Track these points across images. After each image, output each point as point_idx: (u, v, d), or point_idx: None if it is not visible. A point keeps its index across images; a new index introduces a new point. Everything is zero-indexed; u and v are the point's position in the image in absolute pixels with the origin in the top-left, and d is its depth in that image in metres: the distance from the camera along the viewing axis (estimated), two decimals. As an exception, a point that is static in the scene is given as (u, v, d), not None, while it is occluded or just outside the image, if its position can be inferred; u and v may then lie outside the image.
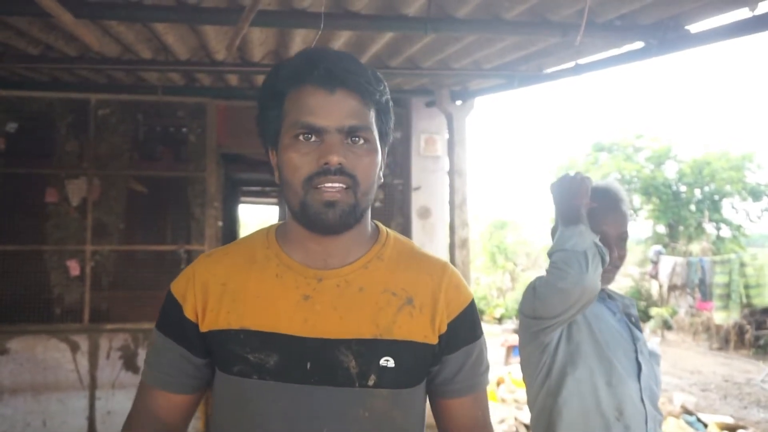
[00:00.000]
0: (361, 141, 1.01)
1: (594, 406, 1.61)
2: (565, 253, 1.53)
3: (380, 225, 1.17)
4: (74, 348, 4.78)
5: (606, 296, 1.80)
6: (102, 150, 4.96)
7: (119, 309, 4.94)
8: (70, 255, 4.88)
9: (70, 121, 4.93)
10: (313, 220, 1.00)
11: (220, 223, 5.41)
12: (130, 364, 4.84)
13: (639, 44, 3.21)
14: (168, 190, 5.16)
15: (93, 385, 4.78)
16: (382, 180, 1.09)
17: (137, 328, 4.86)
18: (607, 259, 1.57)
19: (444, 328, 1.07)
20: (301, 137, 1.00)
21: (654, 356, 1.76)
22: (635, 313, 1.81)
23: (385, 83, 1.06)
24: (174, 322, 1.09)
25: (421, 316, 1.06)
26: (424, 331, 1.06)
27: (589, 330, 1.67)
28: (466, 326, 1.10)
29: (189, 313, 1.08)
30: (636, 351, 1.69)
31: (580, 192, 1.64)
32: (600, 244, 1.56)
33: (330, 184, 0.98)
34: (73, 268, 4.87)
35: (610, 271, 1.71)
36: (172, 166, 5.23)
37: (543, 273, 1.64)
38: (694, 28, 2.97)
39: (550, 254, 1.62)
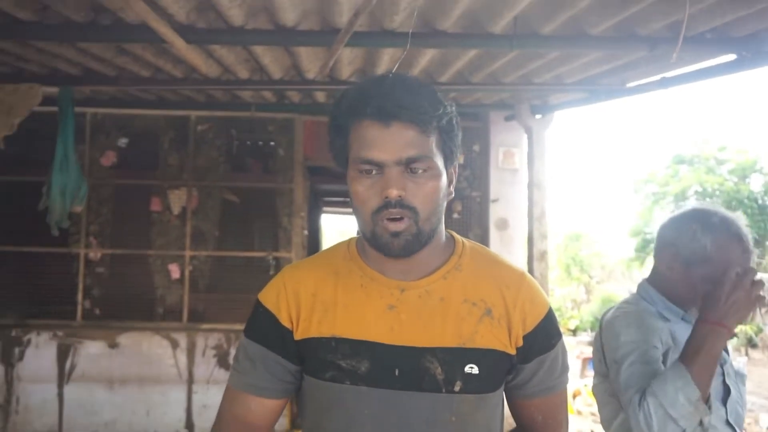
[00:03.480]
0: (421, 170, 1.01)
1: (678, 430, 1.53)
2: (666, 414, 1.35)
3: (455, 235, 1.17)
4: (174, 345, 5.02)
5: (690, 318, 1.65)
6: (200, 162, 5.20)
7: (214, 310, 5.14)
8: (171, 259, 5.14)
9: (172, 136, 5.21)
10: (382, 248, 1.03)
11: (306, 232, 5.54)
12: (223, 361, 5.03)
13: (730, 56, 3.07)
14: (258, 200, 5.30)
15: (190, 380, 5.00)
16: (452, 195, 1.10)
17: (230, 329, 5.05)
18: (707, 419, 1.40)
19: (520, 342, 1.08)
20: (364, 171, 1.01)
21: (740, 376, 1.64)
22: None
23: (446, 103, 1.04)
24: (269, 331, 1.10)
25: (499, 327, 1.07)
26: (503, 341, 1.07)
27: (679, 352, 1.53)
28: (541, 338, 1.10)
29: (285, 322, 1.09)
30: (723, 374, 1.57)
31: (745, 306, 1.40)
32: (703, 405, 1.35)
33: (392, 217, 0.99)
34: (174, 271, 5.13)
35: None
36: (261, 178, 5.40)
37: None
38: (791, 39, 2.81)
39: (652, 391, 1.40)
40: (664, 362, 1.52)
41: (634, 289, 1.73)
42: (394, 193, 0.98)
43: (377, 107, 0.99)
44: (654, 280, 1.66)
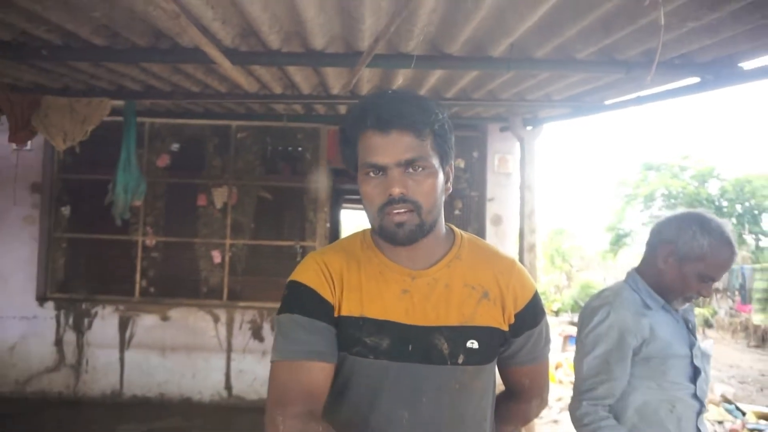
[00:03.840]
0: (420, 169, 1.01)
1: (654, 401, 1.55)
2: None
3: (454, 228, 1.17)
4: (216, 319, 5.08)
5: (670, 307, 1.64)
6: (239, 165, 5.25)
7: (249, 290, 5.19)
8: (213, 246, 5.20)
9: (216, 143, 5.26)
10: (389, 238, 1.04)
11: (328, 225, 5.58)
12: (256, 334, 5.08)
13: (695, 79, 3.06)
14: (288, 198, 5.33)
15: (229, 349, 5.06)
16: (450, 190, 1.10)
17: (263, 306, 5.10)
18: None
19: (512, 320, 1.10)
20: (370, 174, 1.02)
21: (706, 357, 1.63)
22: (693, 319, 1.67)
23: (438, 110, 1.04)
24: (314, 306, 1.05)
25: (494, 307, 1.09)
26: (498, 319, 1.09)
27: (656, 341, 1.55)
28: (530, 316, 1.11)
29: (328, 297, 1.06)
30: (692, 356, 1.57)
31: None
32: None
33: (396, 211, 1.00)
34: (216, 257, 5.19)
35: (688, 300, 1.60)
36: (291, 178, 5.42)
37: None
38: (747, 65, 2.80)
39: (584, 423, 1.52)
40: (638, 353, 1.54)
41: (608, 277, 1.75)
42: (396, 191, 0.99)
43: (377, 118, 1.00)
44: (643, 271, 1.65)
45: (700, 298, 1.70)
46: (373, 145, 1.01)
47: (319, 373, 1.01)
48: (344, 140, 1.08)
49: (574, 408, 1.57)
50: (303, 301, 1.05)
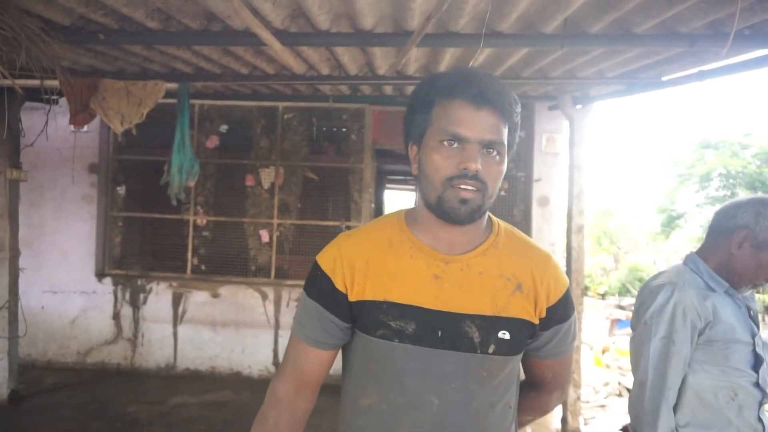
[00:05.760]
0: (495, 153, 1.01)
1: (715, 386, 1.50)
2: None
3: (492, 217, 1.16)
4: (264, 297, 5.23)
5: (734, 291, 1.60)
6: (286, 146, 5.31)
7: (296, 269, 5.31)
8: (261, 226, 5.31)
9: (264, 124, 5.33)
10: (447, 212, 1.02)
11: (373, 205, 5.60)
12: (303, 312, 5.20)
13: (765, 51, 2.87)
14: (333, 178, 5.38)
15: (277, 326, 5.21)
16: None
17: (309, 285, 5.19)
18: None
19: (544, 314, 1.09)
20: (446, 143, 1.00)
21: (767, 346, 1.58)
22: (755, 307, 1.63)
23: (520, 104, 1.05)
24: (325, 292, 1.09)
25: (527, 300, 1.08)
26: (530, 311, 1.08)
27: (720, 324, 1.51)
28: (560, 311, 1.11)
29: (339, 285, 1.08)
30: (754, 344, 1.52)
31: None
32: None
33: (466, 186, 0.99)
34: (264, 236, 5.31)
35: (756, 287, 1.58)
36: (336, 159, 5.47)
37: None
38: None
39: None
40: (701, 335, 1.50)
41: (659, 260, 1.70)
42: (474, 166, 0.98)
43: (477, 91, 0.99)
44: (706, 255, 1.61)
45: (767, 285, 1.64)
46: (461, 116, 1.00)
47: (313, 357, 1.11)
48: (420, 103, 1.06)
49: (644, 410, 1.51)
50: (317, 286, 1.11)
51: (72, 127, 4.33)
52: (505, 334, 1.05)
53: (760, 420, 1.52)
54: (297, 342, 1.13)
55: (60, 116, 4.45)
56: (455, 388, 1.04)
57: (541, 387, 1.23)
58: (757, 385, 1.51)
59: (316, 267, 1.11)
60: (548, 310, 1.09)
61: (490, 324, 1.04)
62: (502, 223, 1.16)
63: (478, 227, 1.10)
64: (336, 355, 1.15)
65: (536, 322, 1.09)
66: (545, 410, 1.30)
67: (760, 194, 1.62)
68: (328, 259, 1.10)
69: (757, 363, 1.52)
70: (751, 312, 1.60)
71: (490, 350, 1.04)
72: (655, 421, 1.46)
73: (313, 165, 5.37)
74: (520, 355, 1.12)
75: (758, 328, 1.60)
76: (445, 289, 1.05)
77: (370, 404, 1.09)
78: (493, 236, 1.11)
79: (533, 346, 1.14)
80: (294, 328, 1.14)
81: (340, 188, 5.40)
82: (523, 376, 1.23)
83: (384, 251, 1.09)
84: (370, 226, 1.16)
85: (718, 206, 1.70)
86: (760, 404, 1.53)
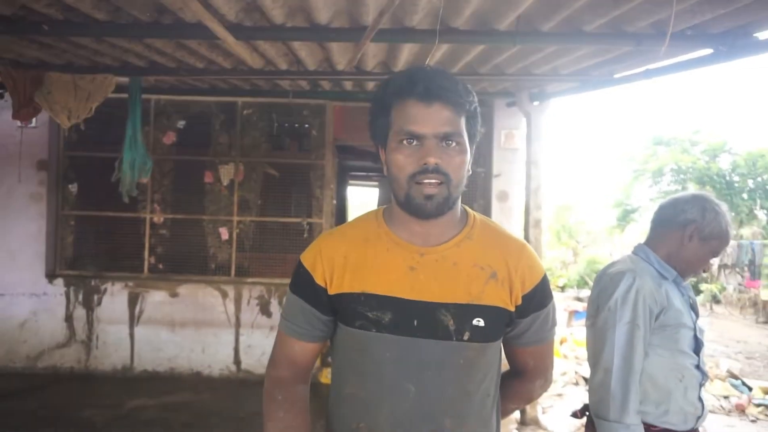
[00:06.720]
0: (454, 144, 1.03)
1: (665, 369, 1.60)
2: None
3: (468, 209, 1.18)
4: (224, 295, 5.14)
5: (681, 280, 1.72)
6: (245, 142, 5.24)
7: (257, 266, 5.23)
8: (221, 223, 5.23)
9: (222, 119, 5.24)
10: (415, 208, 1.05)
11: (334, 202, 5.58)
12: (264, 309, 5.14)
13: (708, 51, 3.00)
14: (294, 174, 5.33)
15: (237, 324, 5.13)
16: (470, 172, 1.11)
17: (270, 282, 5.14)
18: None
19: (519, 301, 1.11)
20: (405, 142, 1.03)
21: (701, 332, 1.70)
22: (693, 296, 1.75)
23: (474, 93, 1.07)
24: (306, 288, 1.14)
25: (502, 288, 1.10)
26: (505, 299, 1.10)
27: (671, 309, 1.60)
28: (537, 298, 1.13)
29: (319, 280, 1.12)
30: (695, 329, 1.64)
31: None
32: None
33: (428, 181, 1.02)
34: (224, 233, 5.22)
35: (698, 274, 1.74)
36: (297, 155, 5.41)
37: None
38: (762, 35, 2.74)
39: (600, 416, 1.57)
40: (656, 320, 1.58)
41: (615, 252, 1.79)
42: (432, 160, 1.01)
43: (424, 89, 1.02)
44: (655, 246, 1.72)
45: (707, 274, 1.75)
46: (414, 114, 1.03)
47: (300, 349, 1.18)
48: (378, 108, 1.09)
49: (607, 397, 1.56)
50: (300, 282, 1.16)
51: (18, 123, 4.15)
52: (479, 322, 1.06)
53: (700, 399, 1.63)
54: (284, 338, 1.19)
55: (4, 111, 4.26)
56: (431, 375, 1.06)
57: (524, 375, 1.26)
58: (698, 367, 1.63)
59: (299, 265, 1.16)
60: (524, 297, 1.10)
61: (464, 312, 1.06)
62: (478, 216, 1.18)
63: (452, 219, 1.11)
64: (323, 347, 1.22)
65: (512, 309, 1.10)
66: (529, 398, 1.33)
67: (700, 191, 1.77)
68: (309, 256, 1.15)
69: (698, 347, 1.63)
70: (691, 300, 1.71)
71: (465, 337, 1.06)
72: (624, 405, 1.52)
73: (273, 161, 5.31)
74: (498, 343, 1.14)
75: (697, 315, 1.72)
76: (420, 279, 1.07)
77: (351, 393, 1.13)
78: (468, 228, 1.13)
79: (513, 334, 1.16)
80: (281, 322, 1.21)
81: (301, 185, 5.35)
82: (507, 367, 1.26)
83: (362, 246, 1.12)
84: (351, 223, 1.21)
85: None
86: (701, 385, 1.64)
